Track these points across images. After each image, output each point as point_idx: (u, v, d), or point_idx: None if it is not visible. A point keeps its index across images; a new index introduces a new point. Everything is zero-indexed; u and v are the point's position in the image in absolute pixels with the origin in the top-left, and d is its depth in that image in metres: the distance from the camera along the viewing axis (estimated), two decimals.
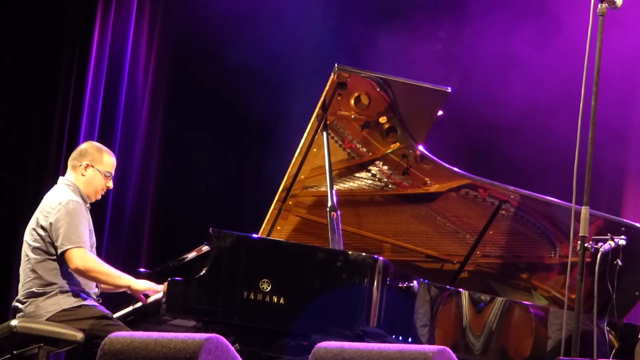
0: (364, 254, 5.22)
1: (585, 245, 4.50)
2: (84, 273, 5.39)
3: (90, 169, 5.65)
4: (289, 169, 5.84)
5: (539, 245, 6.34)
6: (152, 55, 8.44)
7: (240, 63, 8.25)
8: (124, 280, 5.48)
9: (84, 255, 5.36)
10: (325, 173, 5.63)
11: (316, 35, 8.51)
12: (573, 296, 4.86)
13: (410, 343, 5.31)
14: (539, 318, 5.85)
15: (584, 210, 4.52)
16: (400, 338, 5.30)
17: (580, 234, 4.52)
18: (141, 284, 5.48)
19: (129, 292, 5.54)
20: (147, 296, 5.51)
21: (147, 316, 5.43)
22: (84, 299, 5.47)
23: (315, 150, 5.78)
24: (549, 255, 6.38)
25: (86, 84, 7.99)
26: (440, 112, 5.89)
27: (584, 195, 4.52)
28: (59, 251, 5.39)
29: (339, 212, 5.51)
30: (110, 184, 5.75)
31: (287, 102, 8.35)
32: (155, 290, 5.44)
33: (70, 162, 5.72)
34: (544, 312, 5.90)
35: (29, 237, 5.54)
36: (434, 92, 5.87)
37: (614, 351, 5.91)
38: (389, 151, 5.98)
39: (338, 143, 5.94)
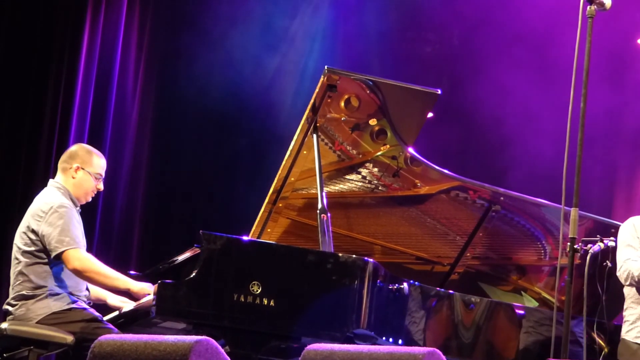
0: (354, 256, 5.22)
1: (575, 246, 4.51)
2: (81, 273, 5.38)
3: (81, 171, 5.64)
4: (279, 171, 5.84)
5: (529, 247, 6.36)
6: (142, 57, 8.44)
7: (229, 63, 8.25)
8: (122, 282, 5.46)
9: (81, 256, 5.36)
10: (316, 175, 5.63)
11: (306, 40, 8.53)
12: (563, 298, 4.86)
13: (401, 345, 5.31)
14: (527, 320, 5.85)
15: (574, 212, 4.53)
16: (391, 340, 5.30)
17: (569, 236, 4.53)
18: (141, 287, 5.46)
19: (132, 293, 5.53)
20: None
21: (137, 319, 5.43)
22: (74, 302, 5.46)
23: (305, 152, 5.78)
24: (539, 257, 6.40)
25: (76, 86, 7.99)
26: (430, 114, 5.90)
27: (573, 196, 4.53)
28: (53, 254, 5.38)
29: (329, 214, 5.51)
30: (101, 186, 5.74)
31: (278, 104, 8.36)
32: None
33: (60, 165, 5.71)
34: (533, 313, 5.91)
35: (20, 240, 5.53)
36: (424, 94, 5.88)
37: (603, 353, 5.92)
38: (379, 153, 5.98)
39: (328, 145, 5.94)
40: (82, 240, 5.53)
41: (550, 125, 7.57)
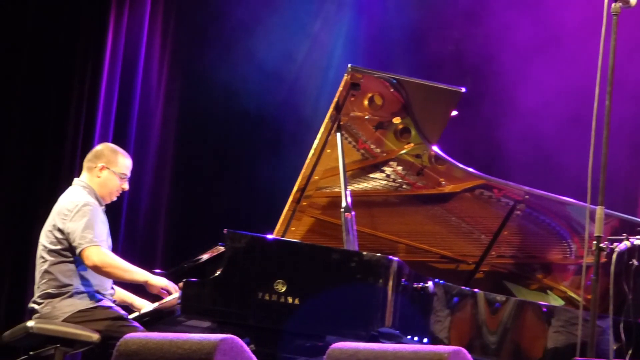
0: (378, 254, 5.21)
1: (601, 245, 4.48)
2: (100, 269, 5.41)
3: (106, 170, 5.67)
4: (303, 170, 5.84)
5: (555, 245, 6.33)
6: (166, 57, 8.46)
7: (254, 62, 8.26)
8: (141, 275, 5.50)
9: (100, 252, 5.39)
10: (339, 174, 5.63)
11: (330, 35, 8.53)
12: (589, 297, 4.84)
13: (426, 344, 5.30)
14: (553, 319, 5.83)
15: (599, 210, 4.51)
16: (416, 339, 5.29)
17: (595, 234, 4.50)
18: (158, 281, 5.50)
19: (147, 288, 5.58)
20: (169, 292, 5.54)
21: (162, 317, 5.44)
22: (100, 300, 5.49)
23: (329, 151, 5.78)
24: (564, 255, 6.37)
25: (100, 85, 8.01)
26: (454, 112, 5.88)
27: (598, 195, 4.51)
28: (77, 251, 5.41)
29: (353, 213, 5.50)
30: (126, 186, 5.77)
31: (300, 102, 8.36)
32: (170, 291, 5.47)
33: (85, 164, 5.74)
34: (559, 312, 5.88)
35: (45, 239, 5.56)
36: (448, 92, 5.86)
37: (630, 352, 5.88)
38: (403, 152, 5.97)
39: (352, 144, 5.94)
40: (107, 239, 5.56)
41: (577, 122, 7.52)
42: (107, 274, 5.47)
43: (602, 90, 4.56)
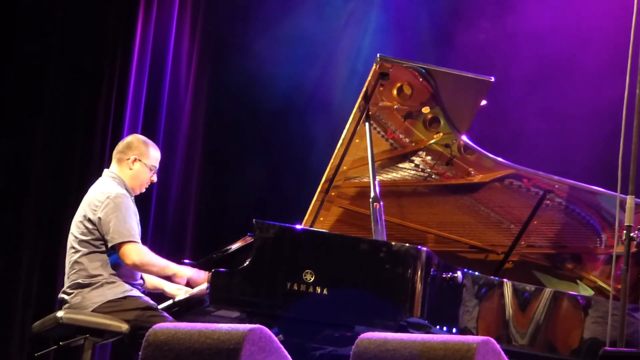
0: (407, 244, 5.21)
1: (631, 234, 4.45)
2: (139, 267, 5.48)
3: (138, 162, 5.68)
4: (332, 160, 5.83)
5: (585, 235, 6.30)
6: (195, 48, 8.47)
7: (282, 52, 8.25)
8: (171, 269, 5.57)
9: (139, 251, 5.44)
10: (368, 164, 5.62)
11: (358, 29, 8.52)
12: (619, 286, 4.81)
13: (454, 334, 5.29)
14: (583, 308, 5.80)
15: (630, 200, 4.48)
16: (445, 329, 5.28)
17: (625, 224, 4.47)
18: (185, 271, 5.58)
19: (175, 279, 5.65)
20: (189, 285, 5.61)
21: (192, 307, 5.46)
22: (129, 290, 5.51)
23: (357, 141, 5.77)
24: (594, 245, 6.33)
25: (129, 77, 8.04)
26: (483, 102, 5.86)
27: (629, 184, 4.48)
28: (110, 244, 5.44)
29: (381, 203, 5.49)
30: (155, 178, 5.79)
31: (330, 93, 8.35)
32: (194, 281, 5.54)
33: (116, 155, 5.75)
34: (588, 302, 5.85)
35: (76, 229, 5.58)
36: (477, 82, 5.84)
37: None
38: (432, 141, 5.96)
39: (380, 134, 5.92)
40: (138, 230, 5.58)
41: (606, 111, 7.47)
42: (144, 272, 5.56)
43: (632, 79, 4.52)
